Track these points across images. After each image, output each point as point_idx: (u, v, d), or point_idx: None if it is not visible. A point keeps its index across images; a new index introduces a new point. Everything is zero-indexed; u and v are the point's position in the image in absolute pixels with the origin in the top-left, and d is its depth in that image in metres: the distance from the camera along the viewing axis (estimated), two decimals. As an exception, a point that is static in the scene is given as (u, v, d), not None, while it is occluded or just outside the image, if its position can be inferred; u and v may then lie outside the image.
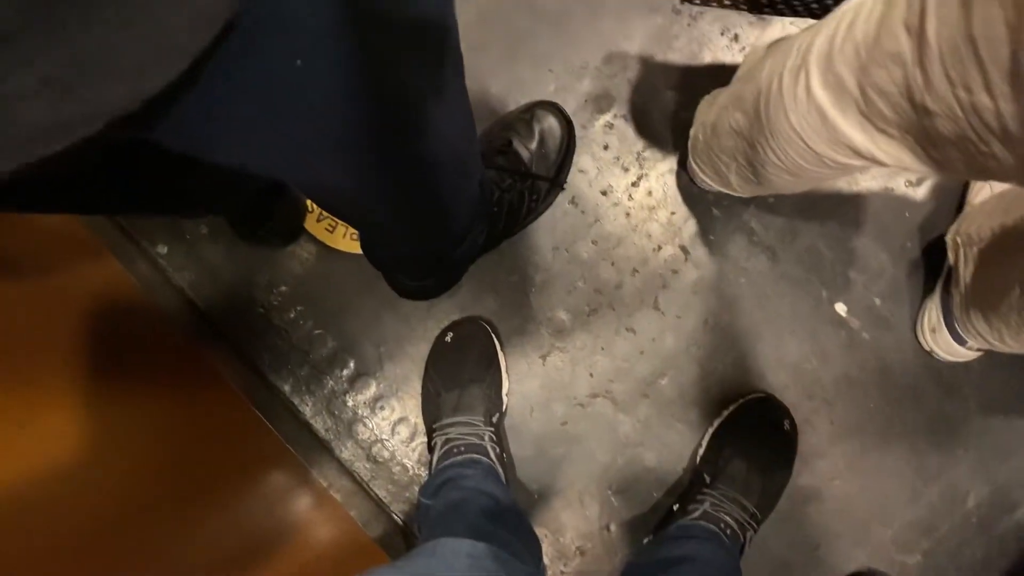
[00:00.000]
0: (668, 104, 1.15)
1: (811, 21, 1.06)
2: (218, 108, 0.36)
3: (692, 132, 1.03)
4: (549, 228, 1.15)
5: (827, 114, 0.62)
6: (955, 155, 0.52)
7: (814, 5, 1.03)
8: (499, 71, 1.16)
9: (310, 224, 1.15)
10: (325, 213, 1.15)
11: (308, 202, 1.15)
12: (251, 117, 0.39)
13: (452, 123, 0.65)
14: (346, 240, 1.15)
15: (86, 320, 0.90)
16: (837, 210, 1.14)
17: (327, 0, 0.36)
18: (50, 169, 0.28)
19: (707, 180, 1.03)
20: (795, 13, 1.09)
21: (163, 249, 1.13)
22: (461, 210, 0.87)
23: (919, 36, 0.49)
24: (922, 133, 0.54)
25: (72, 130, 0.27)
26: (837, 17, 0.62)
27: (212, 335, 1.12)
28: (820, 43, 0.63)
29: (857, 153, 0.62)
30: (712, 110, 0.94)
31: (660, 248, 1.14)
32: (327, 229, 1.15)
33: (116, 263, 1.03)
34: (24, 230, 0.93)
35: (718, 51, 1.16)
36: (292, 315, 1.14)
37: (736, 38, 1.16)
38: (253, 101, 0.38)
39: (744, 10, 1.13)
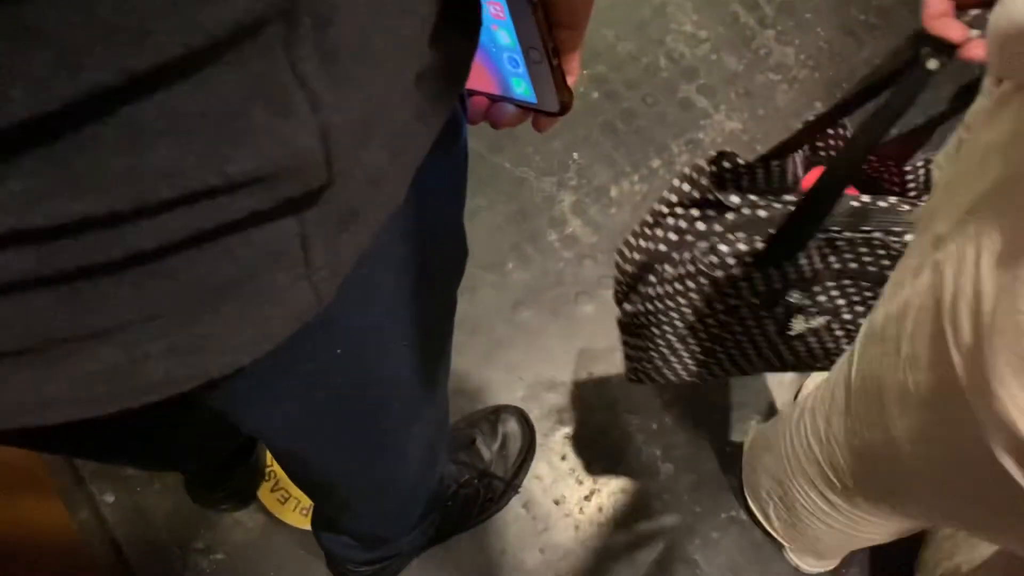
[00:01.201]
0: (626, 427, 1.23)
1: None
2: (265, 379, 0.42)
3: (744, 462, 1.11)
4: (499, 529, 1.15)
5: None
6: None
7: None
8: (472, 372, 1.24)
9: (263, 493, 1.15)
10: (280, 483, 1.16)
11: (266, 470, 1.17)
12: (287, 389, 0.46)
13: (434, 415, 0.72)
14: (295, 514, 1.14)
15: (11, 557, 0.87)
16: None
17: (366, 313, 0.44)
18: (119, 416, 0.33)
19: (756, 511, 1.10)
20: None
21: (110, 498, 1.12)
22: (420, 495, 0.89)
23: None
24: None
25: (175, 386, 0.33)
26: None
27: (136, 597, 1.06)
28: None
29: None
30: (753, 449, 1.01)
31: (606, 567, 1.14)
32: (279, 500, 1.15)
33: (61, 506, 1.01)
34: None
35: (676, 389, 1.25)
36: (223, 586, 1.10)
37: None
38: (292, 378, 0.44)
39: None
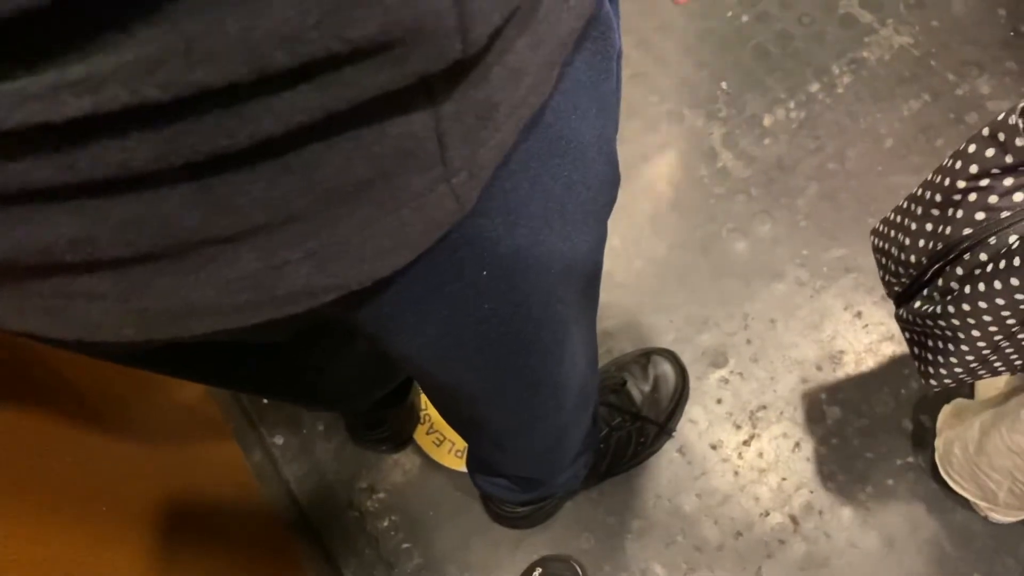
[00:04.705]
0: (786, 370, 1.16)
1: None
2: (410, 300, 0.42)
3: (941, 444, 1.02)
4: (653, 474, 1.13)
5: None
6: None
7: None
8: (620, 315, 1.21)
9: (419, 435, 1.18)
10: (435, 426, 1.18)
11: (421, 413, 1.19)
12: (433, 312, 0.45)
13: (584, 352, 0.70)
14: (451, 456, 1.16)
15: (193, 493, 0.94)
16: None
17: (513, 234, 0.42)
18: (265, 332, 0.33)
19: (965, 494, 1.01)
20: None
21: (279, 440, 1.18)
22: (573, 437, 0.88)
23: None
24: None
25: (315, 296, 0.33)
26: None
27: (305, 532, 1.12)
28: None
29: None
30: (974, 427, 0.93)
31: (768, 514, 1.09)
32: (435, 443, 1.17)
33: (236, 447, 1.08)
34: (165, 400, 1.01)
35: (839, 325, 1.17)
36: (385, 524, 1.14)
37: (859, 315, 1.17)
38: (437, 300, 0.43)
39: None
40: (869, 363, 1.15)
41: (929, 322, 0.76)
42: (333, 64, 0.24)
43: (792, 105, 1.31)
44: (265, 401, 1.20)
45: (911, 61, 1.32)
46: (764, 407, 1.14)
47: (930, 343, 0.79)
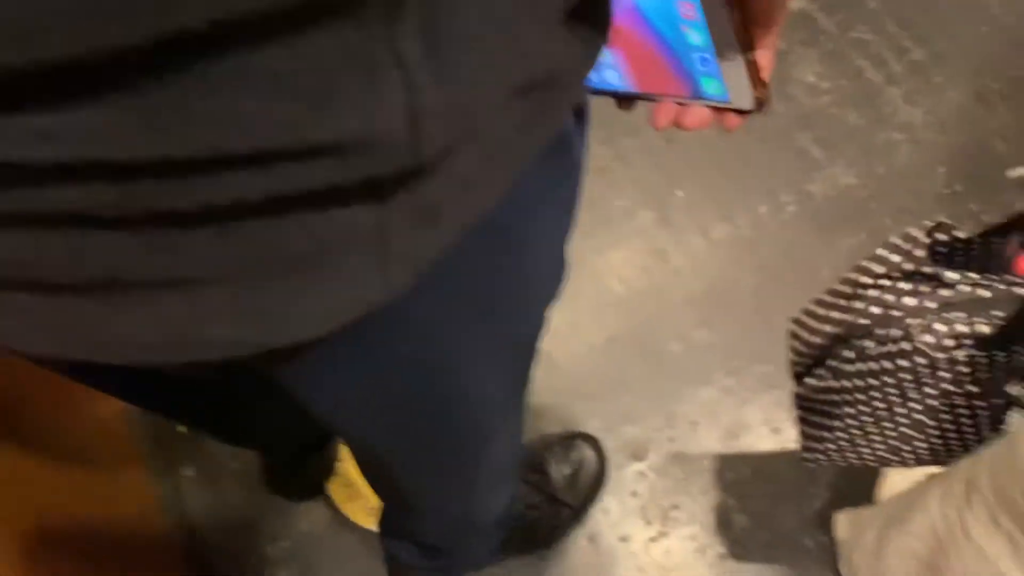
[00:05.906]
0: (702, 473, 1.19)
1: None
2: (328, 364, 0.42)
3: (843, 552, 1.06)
4: (561, 559, 1.13)
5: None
6: None
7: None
8: (550, 395, 1.23)
9: (333, 488, 1.17)
10: (349, 479, 1.17)
11: (336, 465, 1.18)
12: (351, 379, 0.45)
13: (507, 435, 0.71)
14: (362, 513, 1.15)
15: (91, 514, 0.91)
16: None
17: (442, 319, 0.44)
18: (182, 367, 0.34)
19: None
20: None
21: (190, 471, 1.15)
22: (486, 512, 0.89)
23: None
24: None
25: (231, 349, 0.34)
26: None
27: (202, 570, 1.09)
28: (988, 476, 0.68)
29: None
30: (869, 534, 0.97)
31: (666, 614, 1.10)
32: (347, 497, 1.16)
33: (145, 472, 1.05)
34: (77, 412, 0.98)
35: (758, 437, 1.21)
36: (283, 574, 1.11)
37: (777, 431, 1.22)
38: (356, 368, 0.44)
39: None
40: (780, 478, 1.19)
41: (816, 396, 0.85)
42: (287, 157, 0.25)
43: (740, 223, 1.38)
44: (182, 429, 1.18)
45: (855, 202, 1.40)
46: (676, 506, 1.17)
47: (813, 419, 0.88)
